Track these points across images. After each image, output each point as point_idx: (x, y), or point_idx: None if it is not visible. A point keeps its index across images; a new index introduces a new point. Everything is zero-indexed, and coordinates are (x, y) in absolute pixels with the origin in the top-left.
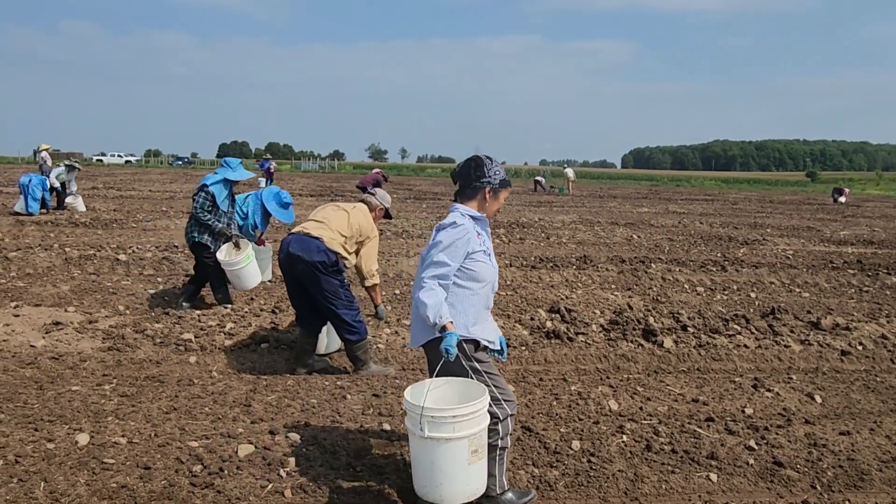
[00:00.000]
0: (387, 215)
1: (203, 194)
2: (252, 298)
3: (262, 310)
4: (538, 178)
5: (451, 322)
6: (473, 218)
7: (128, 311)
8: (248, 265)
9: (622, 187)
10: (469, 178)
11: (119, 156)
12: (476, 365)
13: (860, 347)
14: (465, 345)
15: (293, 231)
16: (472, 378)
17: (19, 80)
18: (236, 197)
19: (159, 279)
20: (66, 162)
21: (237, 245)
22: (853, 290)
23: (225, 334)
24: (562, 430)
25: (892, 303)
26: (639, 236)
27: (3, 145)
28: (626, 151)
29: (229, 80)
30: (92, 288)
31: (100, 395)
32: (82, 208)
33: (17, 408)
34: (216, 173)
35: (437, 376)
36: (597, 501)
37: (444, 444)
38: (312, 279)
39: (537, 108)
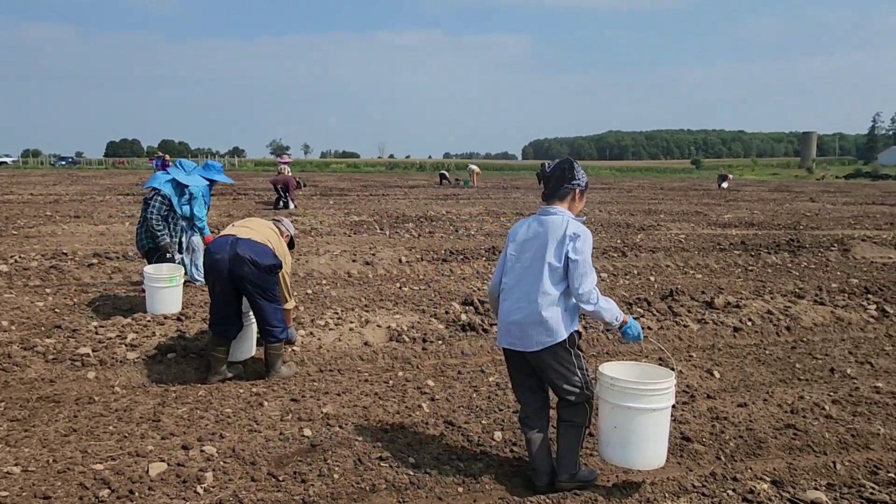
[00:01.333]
0: (290, 244)
1: (160, 199)
2: None
3: (166, 317)
4: (443, 171)
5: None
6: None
7: (13, 327)
8: (168, 289)
9: (524, 178)
10: (562, 180)
11: None
12: (580, 353)
13: (750, 323)
14: (575, 336)
15: (228, 234)
16: (575, 364)
17: None
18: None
19: (48, 290)
20: None
21: (171, 261)
22: (740, 270)
23: (126, 346)
24: (483, 421)
25: (774, 280)
26: None
27: None
28: (526, 143)
29: (116, 75)
30: None
31: None
32: None
33: None
34: (167, 172)
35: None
36: (522, 491)
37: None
38: (260, 282)
39: (440, 101)
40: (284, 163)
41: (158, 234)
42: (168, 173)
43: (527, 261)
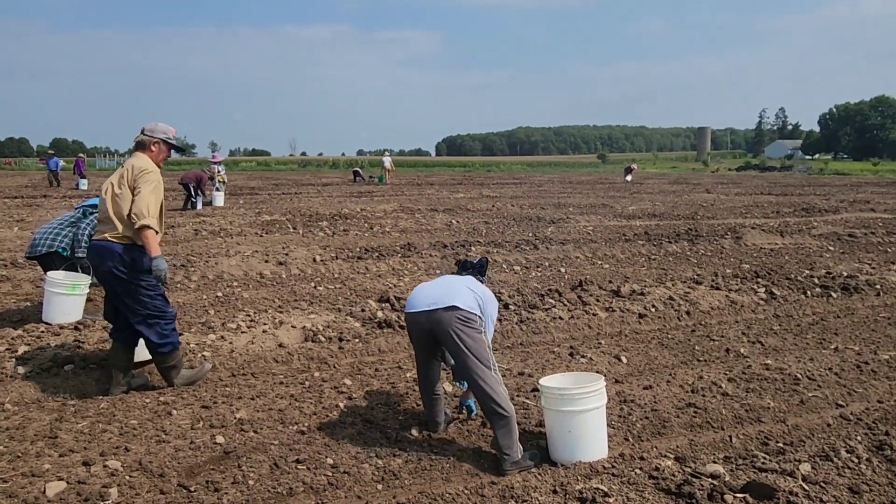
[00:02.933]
0: (174, 149)
1: (94, 218)
2: None
3: (62, 328)
4: (357, 168)
5: None
6: None
7: None
8: (70, 297)
9: (438, 174)
10: (478, 272)
11: None
12: None
13: (653, 310)
14: None
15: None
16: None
17: None
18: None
19: None
20: None
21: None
22: (643, 259)
23: (17, 360)
24: (400, 418)
25: (675, 267)
26: (457, 221)
27: None
28: (439, 139)
29: None
30: None
31: None
32: None
33: None
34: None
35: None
36: (440, 483)
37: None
38: (114, 284)
39: (351, 97)
40: (216, 162)
41: (84, 246)
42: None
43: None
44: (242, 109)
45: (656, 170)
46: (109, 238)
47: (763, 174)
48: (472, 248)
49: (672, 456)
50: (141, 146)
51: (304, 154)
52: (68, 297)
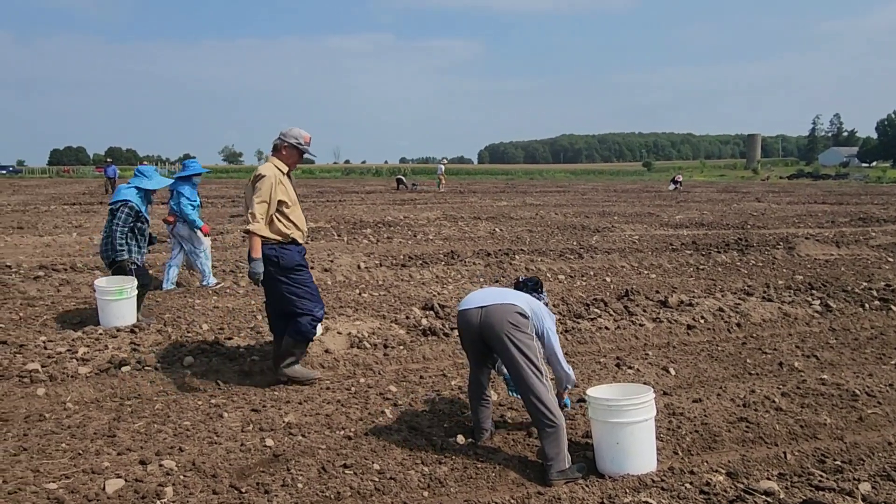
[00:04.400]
0: (302, 154)
1: (126, 210)
2: None
3: (119, 330)
4: (400, 176)
5: None
6: None
7: None
8: (118, 301)
9: (481, 182)
10: (531, 291)
11: None
12: None
13: (702, 321)
14: None
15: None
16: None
17: None
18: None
19: None
20: None
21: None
22: (691, 269)
23: (78, 360)
24: (445, 425)
25: (724, 278)
26: (501, 229)
27: None
28: (481, 147)
29: (56, 80)
30: None
31: None
32: None
33: None
34: (129, 184)
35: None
36: (486, 492)
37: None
38: (266, 282)
39: (393, 106)
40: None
41: (118, 248)
42: (129, 184)
43: None
44: (288, 119)
45: (704, 178)
46: (256, 231)
47: (817, 182)
48: (516, 257)
49: (724, 471)
50: (274, 149)
51: (347, 162)
52: (116, 302)
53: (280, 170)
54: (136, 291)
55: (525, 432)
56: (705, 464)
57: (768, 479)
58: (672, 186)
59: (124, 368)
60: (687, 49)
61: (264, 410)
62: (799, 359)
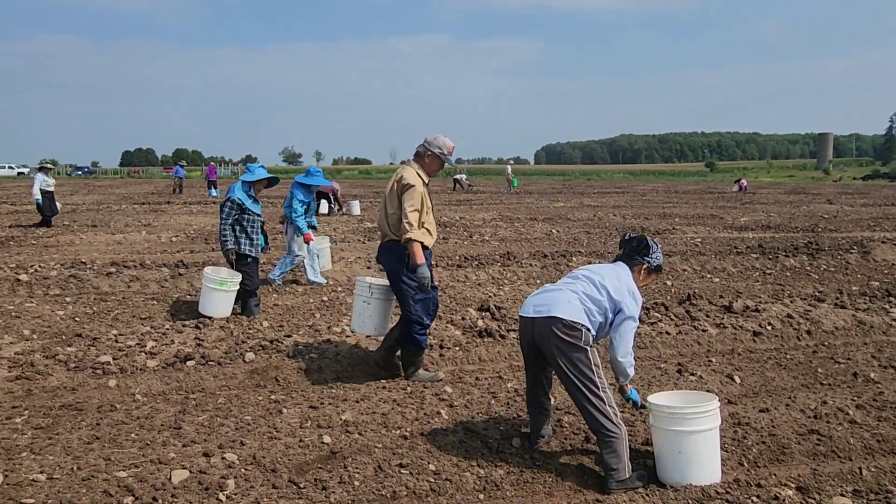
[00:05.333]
0: (443, 163)
1: (229, 204)
2: (173, 314)
3: (184, 325)
4: (458, 176)
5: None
6: None
7: (35, 336)
8: (216, 291)
9: (537, 183)
10: (636, 252)
11: (10, 167)
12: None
13: (770, 328)
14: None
15: None
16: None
17: None
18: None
19: (68, 299)
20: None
21: (231, 265)
22: (757, 273)
23: (146, 354)
24: (501, 428)
25: (793, 283)
26: (558, 231)
27: None
28: (538, 147)
29: (129, 85)
30: None
31: (10, 430)
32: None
33: None
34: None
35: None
36: (543, 497)
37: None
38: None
39: (450, 107)
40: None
41: (222, 239)
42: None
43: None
44: (346, 120)
45: (771, 179)
46: (391, 237)
47: (894, 183)
48: (573, 259)
49: (793, 485)
50: (417, 155)
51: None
52: (215, 292)
53: (422, 178)
54: (237, 287)
55: (584, 437)
56: (773, 477)
57: (842, 495)
58: (736, 188)
59: (189, 363)
60: (753, 46)
61: (322, 407)
62: (875, 369)
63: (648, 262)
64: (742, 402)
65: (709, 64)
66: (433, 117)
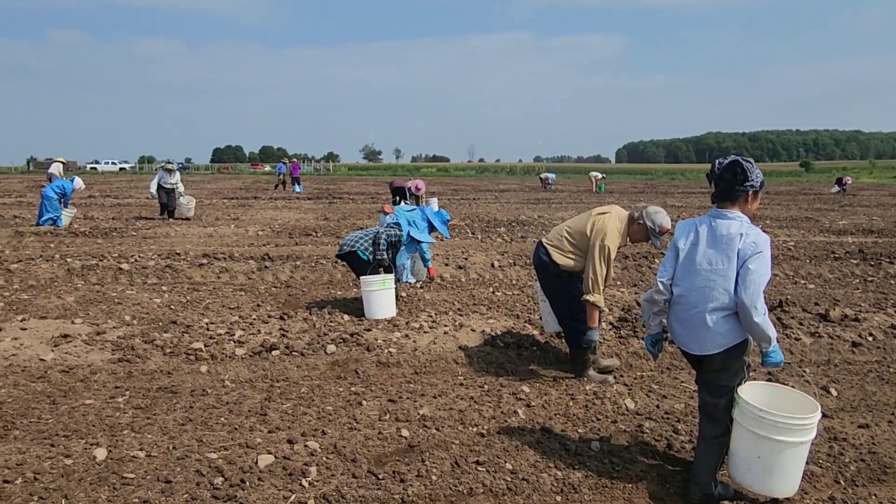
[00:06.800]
0: (648, 238)
1: (398, 231)
2: (259, 305)
3: (270, 316)
4: (544, 174)
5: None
6: None
7: (135, 322)
8: (381, 292)
9: (618, 182)
10: (734, 182)
11: (113, 163)
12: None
13: (871, 338)
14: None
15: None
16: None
17: (8, 91)
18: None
19: (164, 288)
20: (168, 165)
21: (386, 271)
22: (857, 281)
23: (234, 342)
24: (580, 430)
25: None
26: None
27: None
28: (619, 146)
29: (220, 85)
30: (97, 298)
31: (113, 409)
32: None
33: (32, 423)
34: (410, 224)
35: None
36: (622, 503)
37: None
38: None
39: (529, 104)
40: None
41: (382, 248)
42: (410, 225)
43: (700, 265)
44: (424, 118)
45: (873, 180)
46: (556, 254)
47: None
48: (655, 260)
49: None
50: (629, 218)
51: (481, 160)
52: (380, 293)
53: (621, 240)
54: (394, 285)
55: (665, 444)
56: (874, 497)
57: None
58: (836, 189)
59: (274, 352)
60: (854, 38)
61: (400, 401)
62: None
63: (752, 185)
64: (839, 417)
65: (803, 57)
66: (511, 114)
